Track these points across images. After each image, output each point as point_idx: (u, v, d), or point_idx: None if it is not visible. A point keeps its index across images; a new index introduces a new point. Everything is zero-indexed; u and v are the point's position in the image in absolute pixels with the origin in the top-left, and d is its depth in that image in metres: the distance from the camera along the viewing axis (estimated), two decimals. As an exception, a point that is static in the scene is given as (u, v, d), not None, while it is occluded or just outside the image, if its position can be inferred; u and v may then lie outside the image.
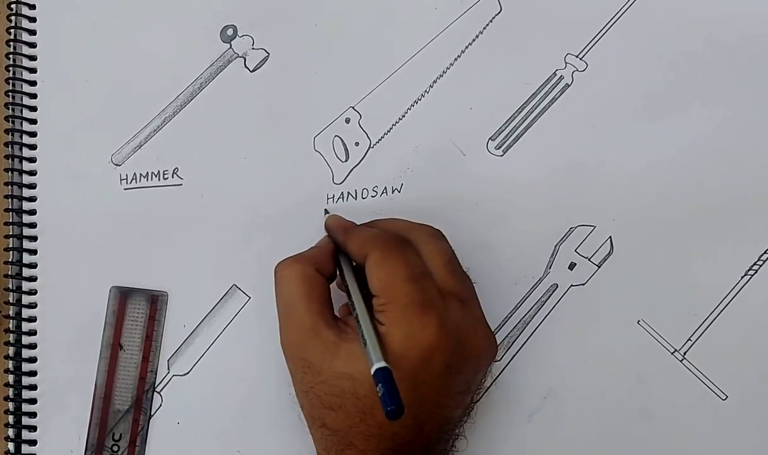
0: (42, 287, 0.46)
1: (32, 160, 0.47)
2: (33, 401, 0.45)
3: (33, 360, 0.45)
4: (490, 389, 0.44)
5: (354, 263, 0.41)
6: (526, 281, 0.45)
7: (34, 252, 0.46)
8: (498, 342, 0.45)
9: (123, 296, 0.46)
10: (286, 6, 0.48)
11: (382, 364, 0.34)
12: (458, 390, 0.38)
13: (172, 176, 0.47)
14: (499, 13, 0.47)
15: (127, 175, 0.47)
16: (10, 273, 0.45)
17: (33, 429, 0.45)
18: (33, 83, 0.47)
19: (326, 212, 0.46)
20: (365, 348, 0.36)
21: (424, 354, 0.36)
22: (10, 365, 0.45)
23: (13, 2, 0.48)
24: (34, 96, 0.47)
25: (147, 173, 0.47)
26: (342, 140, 0.47)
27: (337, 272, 0.41)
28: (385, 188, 0.46)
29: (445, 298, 0.38)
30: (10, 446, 0.45)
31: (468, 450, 0.44)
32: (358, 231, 0.41)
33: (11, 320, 0.45)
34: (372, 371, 0.34)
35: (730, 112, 0.46)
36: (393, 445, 0.37)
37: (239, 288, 0.46)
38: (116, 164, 0.47)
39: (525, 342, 0.45)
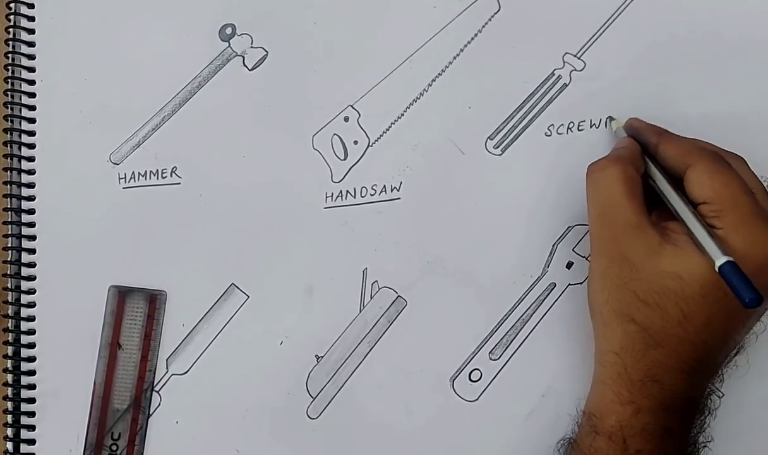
0: (41, 287, 0.46)
1: (31, 159, 0.46)
2: (32, 400, 0.45)
3: (32, 359, 0.45)
4: (488, 388, 0.45)
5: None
6: (524, 280, 0.45)
7: (32, 252, 0.46)
8: (497, 341, 0.45)
9: (122, 295, 0.46)
10: (285, 4, 0.48)
11: (730, 257, 0.35)
12: (759, 316, 0.40)
13: (171, 175, 0.47)
14: (497, 12, 0.47)
15: (125, 174, 0.47)
16: (8, 273, 0.45)
17: (32, 428, 0.45)
18: (32, 82, 0.47)
19: (610, 119, 0.45)
20: (701, 245, 0.36)
21: (763, 262, 0.37)
22: (9, 364, 0.45)
23: (12, 1, 0.48)
24: (32, 95, 0.47)
25: (145, 171, 0.47)
26: (341, 139, 0.47)
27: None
28: (384, 186, 0.46)
29: None
30: (9, 445, 0.45)
31: (460, 448, 0.44)
32: (677, 138, 0.42)
33: (10, 320, 0.45)
34: (719, 263, 0.35)
35: (730, 111, 0.46)
36: (703, 355, 0.38)
37: (238, 287, 0.46)
38: (115, 163, 0.47)
39: (523, 341, 0.45)
